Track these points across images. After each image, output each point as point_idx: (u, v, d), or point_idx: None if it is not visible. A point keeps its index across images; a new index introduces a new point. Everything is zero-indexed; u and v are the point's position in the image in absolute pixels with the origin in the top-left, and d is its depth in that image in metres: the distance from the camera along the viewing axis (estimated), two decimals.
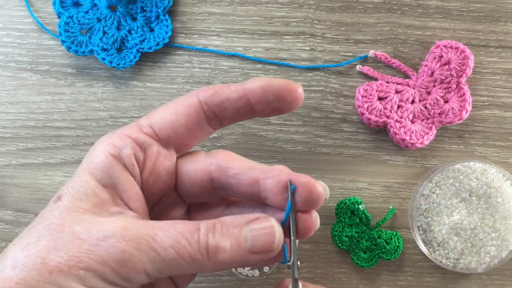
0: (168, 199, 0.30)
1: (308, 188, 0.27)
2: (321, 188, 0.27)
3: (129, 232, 0.25)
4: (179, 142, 0.29)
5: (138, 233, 0.25)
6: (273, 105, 0.28)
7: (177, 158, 0.30)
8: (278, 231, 0.26)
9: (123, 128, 0.29)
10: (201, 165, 0.29)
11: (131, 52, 0.41)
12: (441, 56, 0.40)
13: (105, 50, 0.41)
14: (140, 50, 0.41)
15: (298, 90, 0.28)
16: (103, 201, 0.26)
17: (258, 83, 0.28)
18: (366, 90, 0.40)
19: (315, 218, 0.28)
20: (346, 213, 0.40)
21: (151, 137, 0.28)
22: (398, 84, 0.41)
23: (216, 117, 0.29)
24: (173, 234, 0.25)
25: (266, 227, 0.26)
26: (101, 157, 0.27)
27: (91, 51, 0.41)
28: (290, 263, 0.27)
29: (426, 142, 0.40)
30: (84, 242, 0.24)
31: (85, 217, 0.26)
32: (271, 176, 0.27)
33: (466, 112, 0.40)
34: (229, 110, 0.28)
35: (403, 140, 0.40)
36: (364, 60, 0.42)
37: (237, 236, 0.25)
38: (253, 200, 0.30)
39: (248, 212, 0.29)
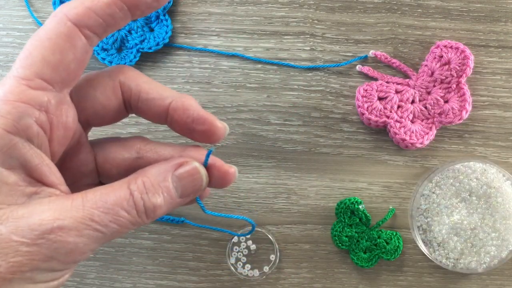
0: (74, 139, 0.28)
1: (210, 122, 0.28)
2: (222, 124, 0.28)
3: (64, 221, 0.23)
4: (72, 79, 0.26)
5: (74, 219, 0.24)
6: None
7: (78, 87, 0.28)
8: (204, 173, 0.27)
9: (5, 92, 0.24)
10: (108, 90, 0.28)
11: (131, 52, 0.41)
12: (441, 56, 0.40)
13: (105, 50, 0.41)
14: (140, 50, 0.41)
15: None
16: (14, 186, 0.24)
17: None
18: (366, 90, 0.40)
19: (233, 171, 0.29)
20: (346, 213, 0.40)
21: (44, 90, 0.25)
22: (398, 84, 0.41)
23: (96, 35, 0.26)
24: (109, 209, 0.24)
25: (192, 172, 0.27)
26: None
27: None
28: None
29: (426, 142, 0.40)
30: (19, 244, 0.22)
31: (4, 212, 0.23)
32: (181, 108, 0.28)
33: (466, 112, 0.40)
34: (111, 25, 0.26)
35: (403, 140, 0.40)
36: (364, 60, 0.42)
37: (168, 188, 0.26)
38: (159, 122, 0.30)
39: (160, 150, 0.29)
